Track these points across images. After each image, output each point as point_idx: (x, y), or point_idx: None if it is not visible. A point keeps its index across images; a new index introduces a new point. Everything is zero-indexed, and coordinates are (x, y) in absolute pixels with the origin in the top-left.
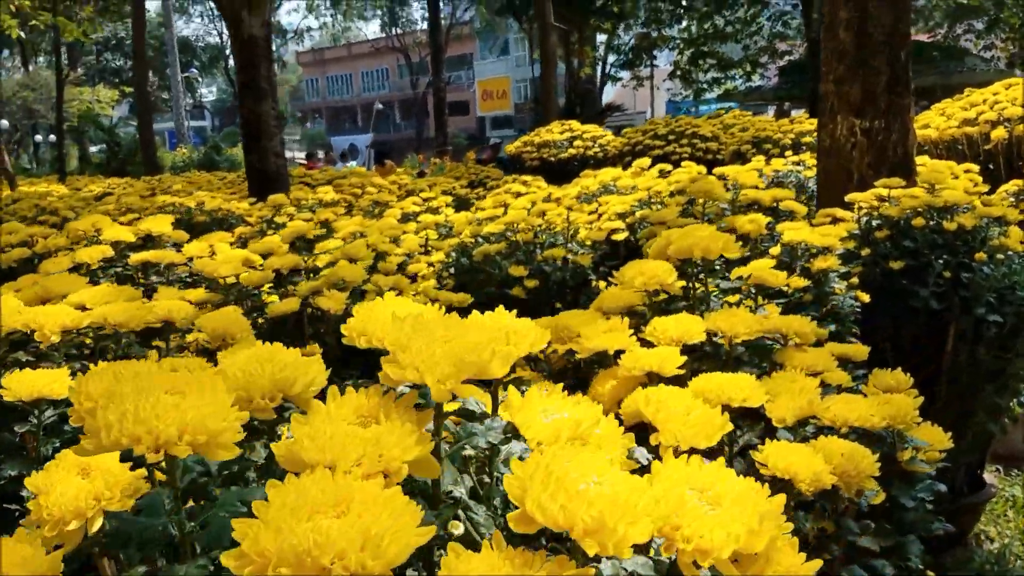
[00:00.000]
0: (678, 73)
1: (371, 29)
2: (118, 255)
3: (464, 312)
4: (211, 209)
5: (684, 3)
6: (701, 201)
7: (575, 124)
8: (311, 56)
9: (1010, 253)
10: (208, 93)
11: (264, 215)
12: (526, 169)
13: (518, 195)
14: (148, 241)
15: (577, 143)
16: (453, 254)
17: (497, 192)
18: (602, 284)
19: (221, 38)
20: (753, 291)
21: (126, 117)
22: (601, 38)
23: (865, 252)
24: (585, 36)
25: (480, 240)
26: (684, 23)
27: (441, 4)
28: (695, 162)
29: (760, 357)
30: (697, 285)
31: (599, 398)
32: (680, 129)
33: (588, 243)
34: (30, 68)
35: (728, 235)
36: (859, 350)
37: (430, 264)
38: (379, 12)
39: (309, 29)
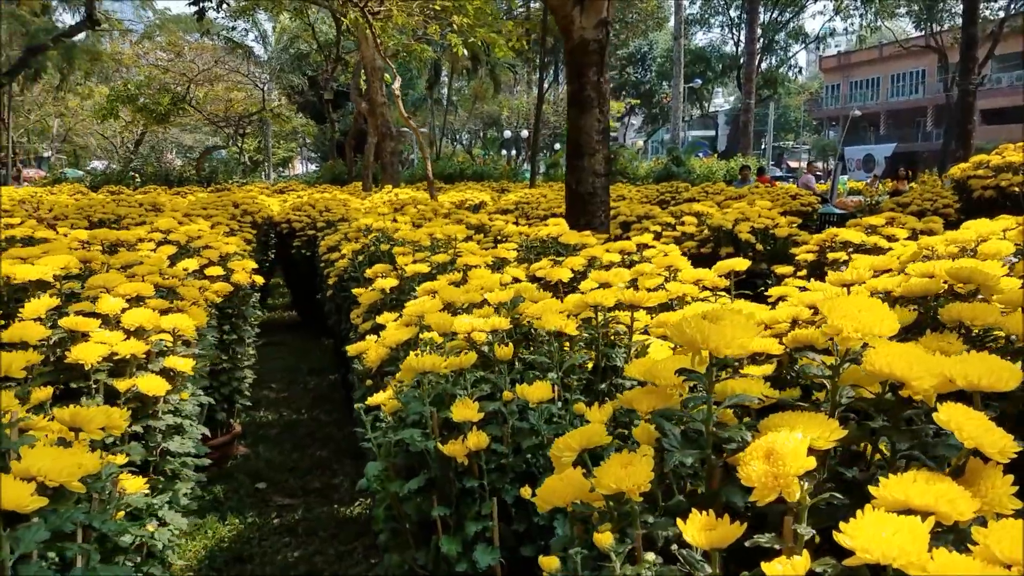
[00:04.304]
0: None
1: (910, 27)
2: None
3: None
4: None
5: None
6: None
7: None
8: (835, 61)
9: None
10: (724, 103)
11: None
12: (974, 201)
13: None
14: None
15: None
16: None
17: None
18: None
19: (736, 46)
20: None
21: (639, 127)
22: None
23: None
24: None
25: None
26: None
27: None
28: None
29: None
30: None
31: None
32: None
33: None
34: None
35: None
36: None
37: None
38: (915, 8)
39: (832, 33)
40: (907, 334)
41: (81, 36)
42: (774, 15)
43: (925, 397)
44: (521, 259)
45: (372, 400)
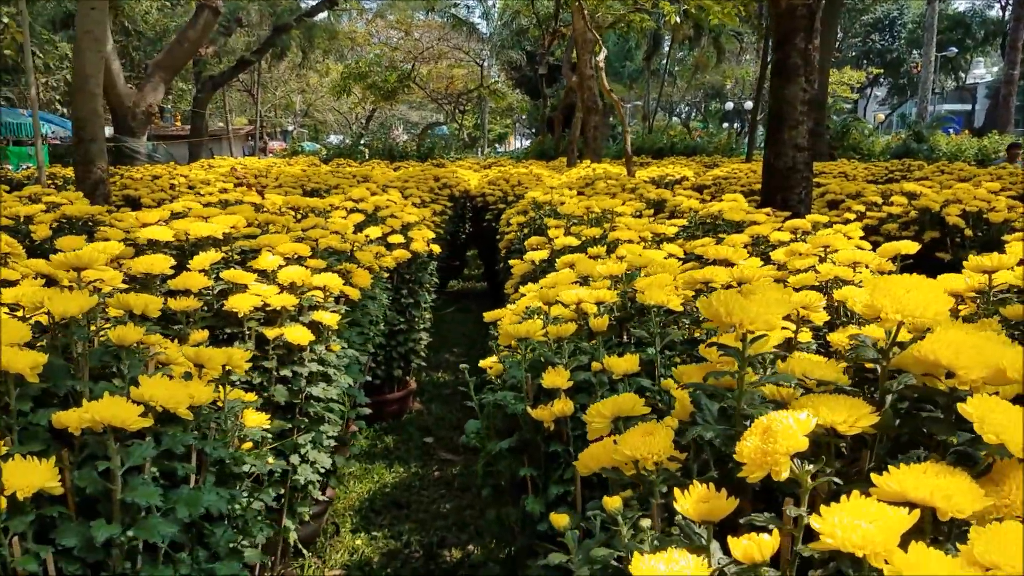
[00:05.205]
0: None
1: None
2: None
3: None
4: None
5: None
6: None
7: None
8: None
9: None
10: (986, 74)
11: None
12: None
13: None
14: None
15: None
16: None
17: None
18: None
19: (1003, 11)
20: None
21: (883, 99)
22: None
23: None
24: None
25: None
26: None
27: None
28: None
29: None
30: None
31: None
32: None
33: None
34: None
35: None
36: None
37: None
38: None
39: None
40: None
41: (321, 16)
42: None
43: (975, 389)
44: (689, 236)
45: (482, 363)
